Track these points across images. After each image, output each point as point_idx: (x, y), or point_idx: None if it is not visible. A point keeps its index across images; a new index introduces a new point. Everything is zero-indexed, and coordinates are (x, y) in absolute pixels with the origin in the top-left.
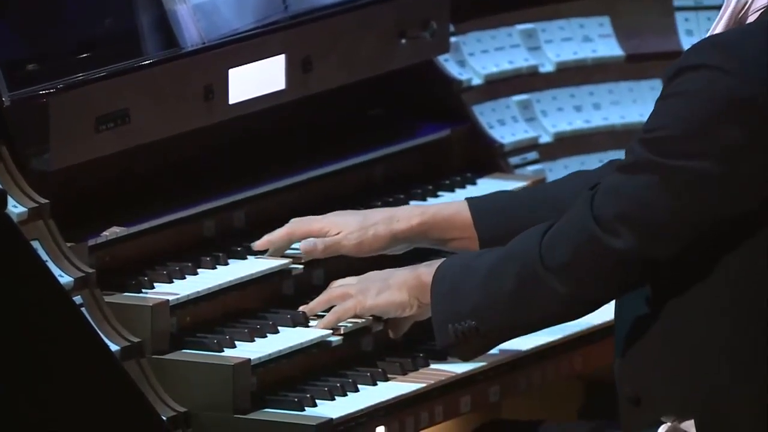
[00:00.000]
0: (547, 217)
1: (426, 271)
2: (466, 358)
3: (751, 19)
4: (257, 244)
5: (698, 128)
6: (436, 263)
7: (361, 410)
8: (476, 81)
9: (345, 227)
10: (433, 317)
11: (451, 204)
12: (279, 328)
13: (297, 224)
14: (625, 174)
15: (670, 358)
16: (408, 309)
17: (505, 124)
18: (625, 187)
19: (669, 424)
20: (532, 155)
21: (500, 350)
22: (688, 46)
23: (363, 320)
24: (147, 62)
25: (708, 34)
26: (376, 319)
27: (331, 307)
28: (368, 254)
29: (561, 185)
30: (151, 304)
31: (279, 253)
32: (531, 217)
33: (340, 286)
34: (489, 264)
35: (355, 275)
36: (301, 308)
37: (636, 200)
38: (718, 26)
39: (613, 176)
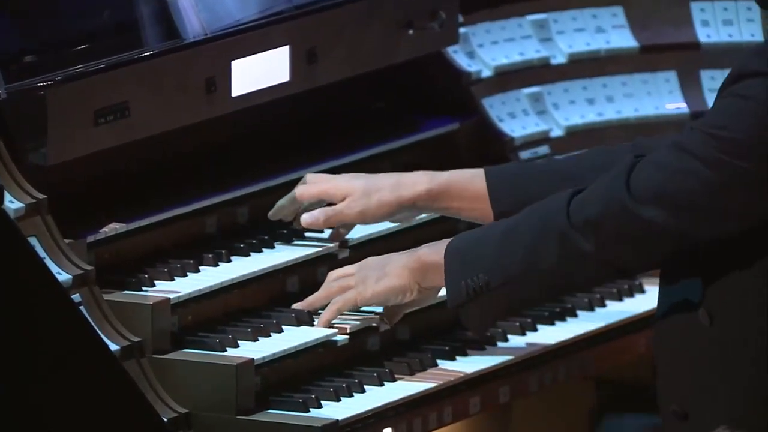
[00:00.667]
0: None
1: (427, 251)
2: (475, 323)
3: None
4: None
5: (759, 133)
6: (439, 244)
7: (368, 411)
8: (486, 73)
9: (350, 192)
10: (446, 278)
11: (464, 172)
12: (283, 327)
13: (304, 188)
14: (675, 152)
15: (722, 374)
16: (408, 294)
17: (515, 118)
18: (671, 165)
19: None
20: (544, 149)
21: (510, 349)
22: (705, 37)
23: (368, 316)
24: (147, 54)
25: None
26: (383, 318)
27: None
28: (373, 222)
29: (584, 160)
30: (151, 303)
31: (285, 213)
32: (550, 192)
33: (337, 278)
34: (510, 221)
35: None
36: (298, 304)
37: (677, 180)
38: None
39: (662, 150)
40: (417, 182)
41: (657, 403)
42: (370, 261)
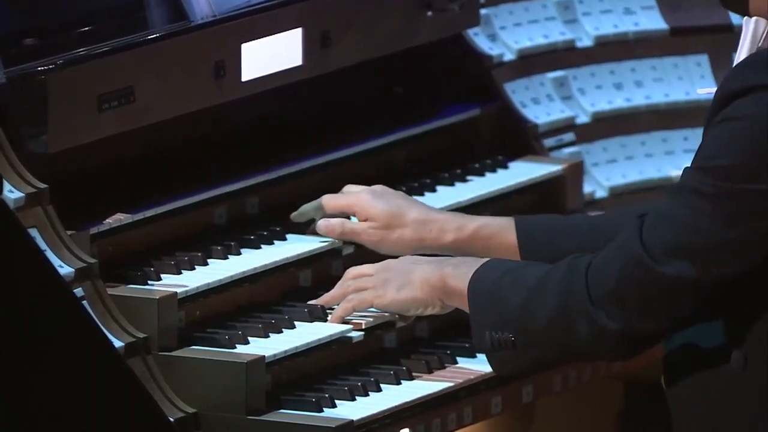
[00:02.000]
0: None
1: (452, 273)
2: (500, 370)
3: None
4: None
5: (760, 152)
6: (462, 265)
7: (384, 411)
8: (508, 57)
9: (373, 216)
10: (471, 320)
11: (493, 221)
12: (295, 322)
13: (332, 198)
14: (678, 199)
15: (753, 420)
16: (430, 308)
17: (539, 103)
18: (678, 213)
19: None
20: (569, 137)
21: None
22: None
23: (386, 314)
24: (153, 36)
25: (735, 63)
26: (401, 315)
27: None
28: (387, 253)
29: (613, 220)
30: (157, 297)
31: (307, 218)
32: (584, 249)
33: (356, 276)
34: (532, 281)
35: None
36: (314, 301)
37: (690, 226)
38: (742, 54)
39: (663, 202)
40: (444, 231)
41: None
42: (392, 264)
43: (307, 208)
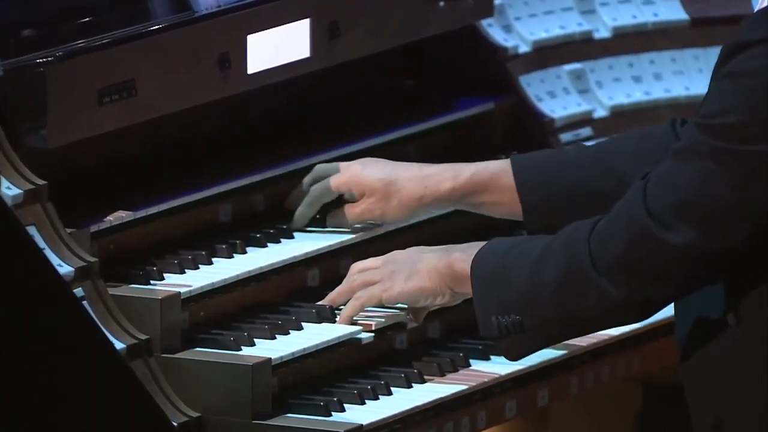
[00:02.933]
0: (601, 184)
1: (460, 257)
2: (510, 356)
3: None
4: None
5: (766, 109)
6: (471, 248)
7: (395, 415)
8: (523, 48)
9: (369, 187)
10: (476, 306)
11: (489, 165)
12: (303, 323)
13: (318, 189)
14: (681, 161)
15: (753, 375)
16: (440, 297)
17: (555, 97)
18: (683, 176)
19: None
20: (586, 131)
21: (549, 349)
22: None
23: (397, 313)
24: (156, 28)
25: (756, 9)
26: (408, 314)
27: None
28: (394, 221)
29: (619, 145)
30: (160, 297)
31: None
32: (584, 182)
33: (361, 270)
34: (534, 255)
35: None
36: (322, 301)
37: (695, 190)
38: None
39: (667, 164)
40: (440, 181)
41: (691, 420)
42: (399, 255)
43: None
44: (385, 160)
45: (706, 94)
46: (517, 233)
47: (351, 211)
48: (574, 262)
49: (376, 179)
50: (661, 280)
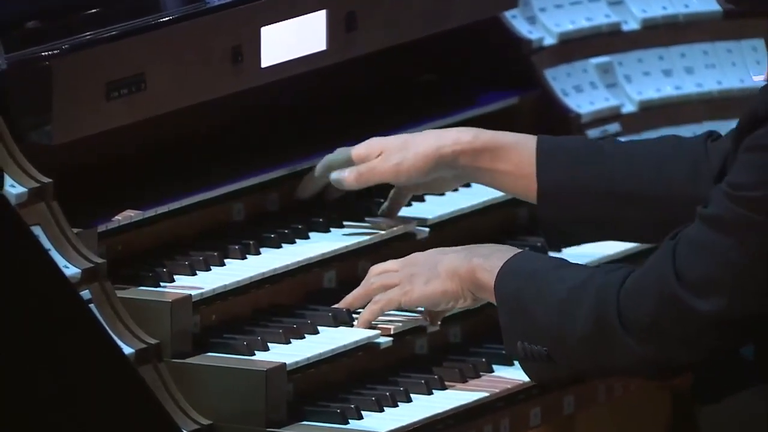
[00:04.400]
0: (624, 187)
1: (482, 265)
2: (535, 379)
3: None
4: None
5: None
6: (494, 256)
7: (415, 423)
8: (549, 41)
9: (385, 148)
10: (501, 326)
11: (514, 134)
12: (319, 327)
13: (333, 157)
14: (711, 229)
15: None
16: (461, 300)
17: (582, 92)
18: (713, 245)
19: None
20: (614, 127)
21: None
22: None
23: (416, 316)
24: (166, 20)
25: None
26: (425, 316)
27: None
28: (409, 180)
29: (648, 150)
30: (170, 300)
31: (313, 189)
32: (605, 181)
33: (380, 273)
34: (561, 295)
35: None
36: (339, 304)
37: (725, 259)
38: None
39: (696, 230)
40: (460, 135)
41: None
42: (419, 257)
43: (316, 172)
44: None
45: (736, 162)
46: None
47: (362, 167)
48: (603, 317)
49: (393, 139)
50: (690, 345)
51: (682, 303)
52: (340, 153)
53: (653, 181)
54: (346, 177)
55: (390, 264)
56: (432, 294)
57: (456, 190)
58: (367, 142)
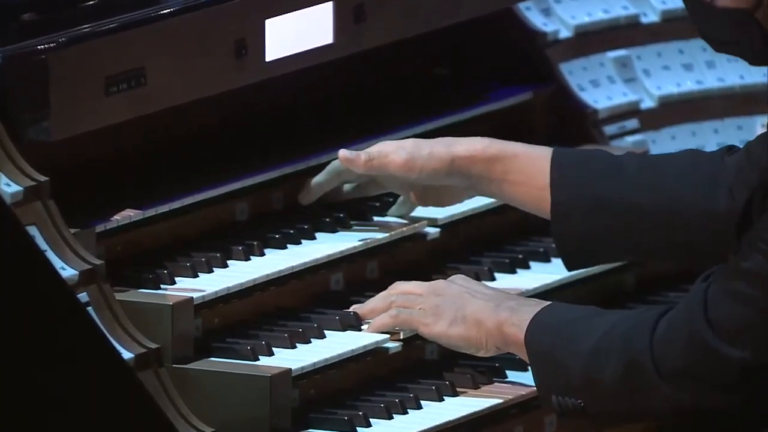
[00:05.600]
0: (641, 201)
1: (510, 320)
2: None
3: None
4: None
5: None
6: (522, 309)
7: (425, 431)
8: (564, 33)
9: (399, 144)
10: (535, 383)
11: (529, 146)
12: (325, 331)
13: (346, 153)
14: (743, 281)
15: None
16: (483, 351)
17: (599, 86)
18: (746, 297)
19: None
20: (632, 123)
21: None
22: None
23: None
24: (167, 12)
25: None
26: None
27: None
28: (419, 177)
29: (666, 163)
30: (171, 303)
31: (316, 195)
32: (625, 193)
33: (404, 293)
34: (593, 340)
35: (414, 271)
36: (353, 308)
37: (759, 311)
38: None
39: (729, 277)
40: (473, 142)
41: None
42: (446, 290)
43: (320, 179)
44: None
45: (760, 217)
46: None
47: (373, 151)
48: (634, 363)
49: (408, 140)
50: (725, 392)
51: (715, 350)
52: (339, 166)
53: (672, 196)
54: (356, 157)
55: (414, 286)
56: (454, 337)
57: None
58: (379, 143)
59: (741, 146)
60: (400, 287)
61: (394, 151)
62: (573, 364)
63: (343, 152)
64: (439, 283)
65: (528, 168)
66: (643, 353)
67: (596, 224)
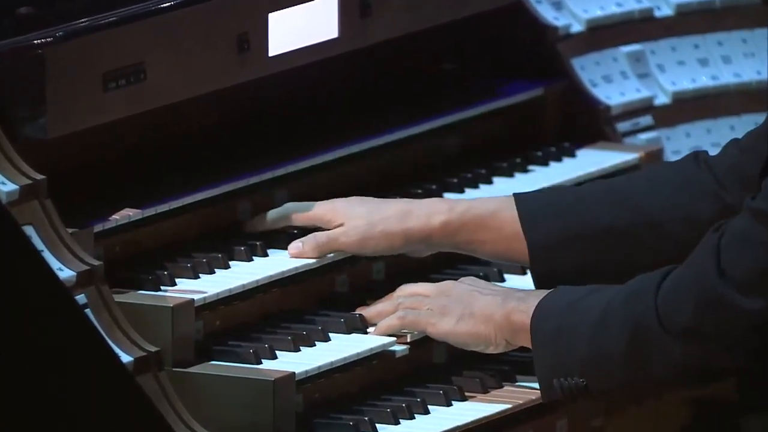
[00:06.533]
0: (617, 219)
1: (517, 307)
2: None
3: None
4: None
5: None
6: (530, 297)
7: None
8: (576, 28)
9: (350, 218)
10: (536, 368)
11: (488, 200)
12: (330, 334)
13: (294, 207)
14: (760, 224)
15: None
16: (492, 347)
17: (611, 82)
18: (761, 240)
19: None
20: (646, 120)
21: None
22: None
23: None
24: (167, 5)
25: None
26: None
27: None
28: (373, 254)
29: (635, 180)
30: (171, 305)
31: (265, 227)
32: (596, 219)
33: (411, 295)
34: (597, 313)
35: (421, 272)
36: (358, 310)
37: None
38: None
39: (744, 223)
40: (432, 212)
41: None
42: (453, 289)
43: (272, 216)
44: (369, 198)
45: None
46: None
47: (321, 237)
48: (641, 323)
49: (358, 208)
50: (733, 347)
51: (725, 301)
52: (301, 206)
53: (647, 212)
54: (303, 248)
55: (422, 288)
56: (462, 334)
57: (476, 188)
58: (331, 204)
59: (714, 150)
60: (407, 289)
61: (344, 233)
62: (578, 341)
63: (290, 247)
64: (446, 284)
65: (493, 224)
66: (647, 311)
67: (577, 258)
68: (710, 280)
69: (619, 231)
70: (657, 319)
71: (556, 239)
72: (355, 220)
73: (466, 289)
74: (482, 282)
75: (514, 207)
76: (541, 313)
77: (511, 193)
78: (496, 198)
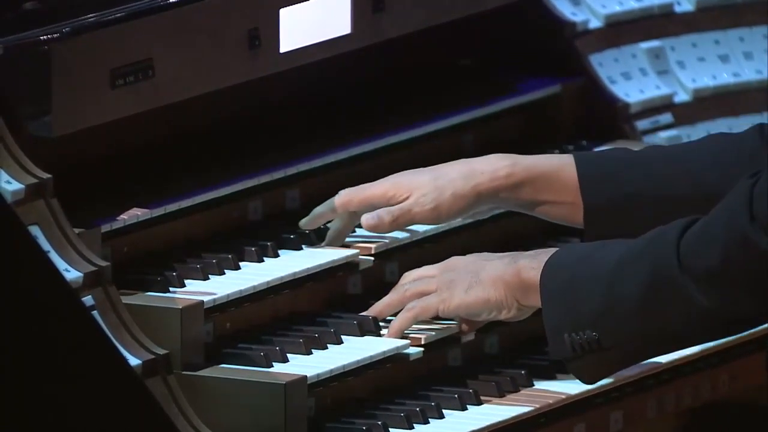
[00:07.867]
0: (676, 187)
1: (528, 264)
2: (585, 378)
3: None
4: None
5: None
6: (541, 255)
7: None
8: (594, 23)
9: (415, 188)
10: (546, 322)
11: (551, 157)
12: (343, 337)
13: (347, 195)
14: None
15: None
16: (505, 311)
17: (631, 79)
18: None
19: None
20: (666, 118)
21: None
22: None
23: (450, 325)
24: (176, 1)
25: None
26: (460, 325)
27: None
28: (448, 220)
29: (696, 149)
30: (180, 307)
31: (318, 223)
32: (656, 184)
33: (416, 279)
34: (613, 262)
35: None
36: (369, 311)
37: None
38: None
39: None
40: (496, 168)
41: None
42: (458, 262)
43: (320, 211)
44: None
45: None
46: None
47: (395, 210)
48: (661, 269)
49: (421, 176)
50: (757, 294)
51: (755, 245)
52: (352, 192)
53: (710, 177)
54: (379, 223)
55: (426, 270)
56: (474, 302)
57: None
58: (390, 180)
59: None
60: (411, 275)
61: (416, 203)
62: (591, 291)
63: (365, 220)
64: (451, 260)
65: (555, 184)
66: (668, 257)
67: (633, 223)
68: (741, 222)
69: (677, 200)
70: (678, 265)
71: (611, 201)
72: (422, 188)
73: (471, 260)
74: (487, 253)
75: (575, 167)
76: (551, 268)
77: (572, 153)
78: (556, 156)
